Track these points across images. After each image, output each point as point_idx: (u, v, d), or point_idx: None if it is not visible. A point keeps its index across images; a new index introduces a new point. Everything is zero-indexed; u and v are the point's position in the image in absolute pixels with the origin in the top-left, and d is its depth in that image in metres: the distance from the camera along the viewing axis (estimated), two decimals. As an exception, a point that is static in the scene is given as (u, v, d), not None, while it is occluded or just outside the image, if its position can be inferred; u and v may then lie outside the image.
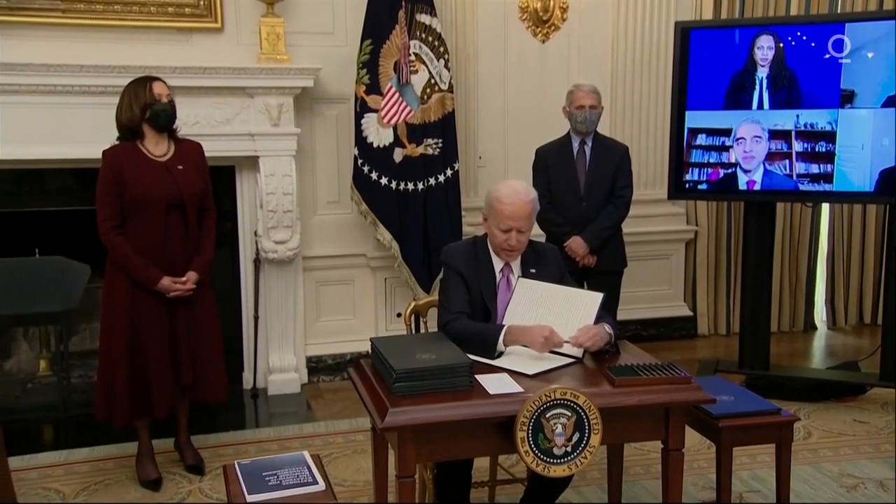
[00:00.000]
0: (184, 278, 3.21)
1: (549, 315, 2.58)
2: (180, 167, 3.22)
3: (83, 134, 3.85)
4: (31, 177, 4.06)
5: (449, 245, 2.84)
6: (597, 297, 2.59)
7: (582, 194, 4.00)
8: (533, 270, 2.73)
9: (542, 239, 3.58)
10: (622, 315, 4.95)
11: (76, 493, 3.25)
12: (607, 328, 2.54)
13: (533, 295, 2.66)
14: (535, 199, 2.68)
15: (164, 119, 3.19)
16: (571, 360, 2.50)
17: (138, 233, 3.16)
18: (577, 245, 3.95)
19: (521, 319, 2.62)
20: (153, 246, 3.17)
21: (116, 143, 3.23)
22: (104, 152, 3.19)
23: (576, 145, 4.04)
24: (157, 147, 3.22)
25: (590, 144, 4.04)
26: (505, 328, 2.53)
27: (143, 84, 3.17)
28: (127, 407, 3.20)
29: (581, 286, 3.73)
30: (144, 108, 3.15)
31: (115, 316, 3.19)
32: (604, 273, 4.01)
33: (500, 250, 2.69)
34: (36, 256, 3.78)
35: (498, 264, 2.73)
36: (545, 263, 2.76)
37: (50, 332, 4.32)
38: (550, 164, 4.05)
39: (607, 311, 2.74)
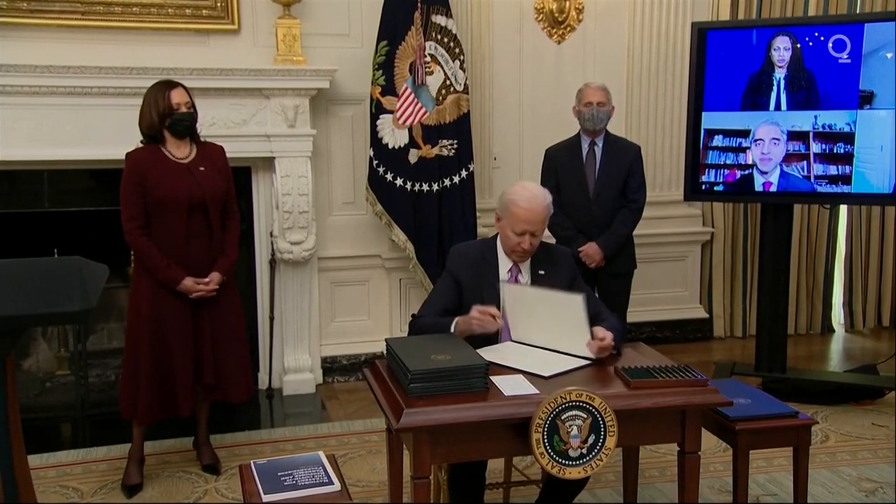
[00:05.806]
0: (207, 279, 3.24)
1: (547, 321, 2.57)
2: (202, 168, 3.26)
3: (102, 135, 3.89)
4: (51, 177, 4.09)
5: (457, 245, 2.85)
6: (578, 299, 2.50)
7: (591, 197, 3.97)
8: (542, 272, 2.73)
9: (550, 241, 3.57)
10: (637, 317, 4.96)
11: (93, 492, 3.28)
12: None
13: (522, 300, 2.64)
14: (550, 204, 2.69)
15: (182, 129, 3.23)
16: (587, 361, 2.49)
17: (162, 234, 3.19)
18: (592, 251, 3.93)
19: (524, 326, 2.63)
20: (176, 247, 3.20)
21: (140, 145, 3.26)
22: (127, 154, 3.23)
23: (585, 146, 4.01)
24: (178, 150, 3.26)
25: (600, 145, 4.00)
26: (455, 319, 2.57)
27: (162, 91, 3.20)
28: (151, 405, 3.22)
29: (592, 288, 3.74)
30: (163, 116, 3.18)
31: (140, 315, 3.22)
32: (614, 275, 3.99)
33: (512, 252, 2.70)
34: (54, 256, 3.81)
35: (506, 265, 2.73)
36: (556, 265, 2.76)
37: (68, 331, 4.35)
38: (559, 165, 4.02)
39: (611, 309, 2.73)
